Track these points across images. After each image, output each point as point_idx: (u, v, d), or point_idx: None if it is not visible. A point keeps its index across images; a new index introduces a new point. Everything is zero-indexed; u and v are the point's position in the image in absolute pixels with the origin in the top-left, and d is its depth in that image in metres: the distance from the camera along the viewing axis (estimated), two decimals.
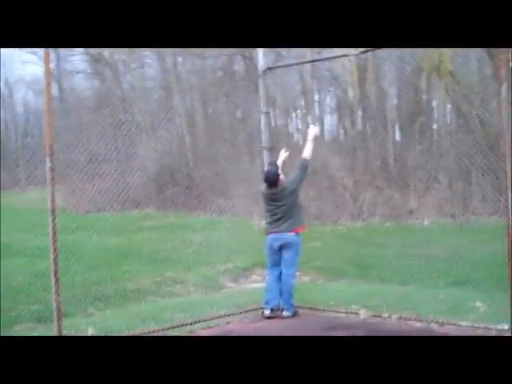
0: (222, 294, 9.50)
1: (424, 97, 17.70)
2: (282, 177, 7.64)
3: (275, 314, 7.74)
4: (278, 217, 7.60)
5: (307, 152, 7.76)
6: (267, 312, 7.71)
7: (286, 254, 7.61)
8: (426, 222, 13.52)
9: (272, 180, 7.57)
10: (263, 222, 8.04)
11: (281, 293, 7.74)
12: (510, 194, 6.14)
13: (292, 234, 7.57)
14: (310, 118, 20.69)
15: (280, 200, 7.58)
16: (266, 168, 7.96)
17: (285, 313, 7.69)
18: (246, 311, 8.03)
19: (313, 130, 7.93)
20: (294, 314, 7.69)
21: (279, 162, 8.04)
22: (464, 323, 6.70)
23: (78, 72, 28.33)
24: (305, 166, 7.70)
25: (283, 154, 8.16)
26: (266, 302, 7.77)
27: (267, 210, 7.76)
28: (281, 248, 7.62)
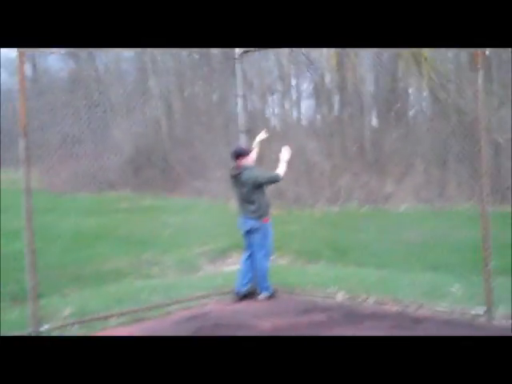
0: (198, 276, 9.49)
1: (401, 83, 17.77)
2: (250, 157, 7.65)
3: (251, 296, 7.78)
4: (242, 202, 7.67)
5: (281, 171, 7.65)
6: (235, 298, 7.75)
7: (255, 238, 7.65)
8: (402, 208, 13.61)
9: (235, 151, 7.64)
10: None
11: (254, 276, 7.80)
12: (484, 180, 6.21)
13: (255, 221, 7.60)
14: (286, 103, 20.68)
15: (242, 185, 7.61)
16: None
17: (260, 296, 7.71)
18: (223, 293, 8.04)
19: (285, 153, 7.69)
20: (271, 296, 7.70)
21: (256, 142, 8.07)
22: (441, 307, 6.78)
23: (52, 52, 27.91)
24: (274, 179, 7.60)
25: (262, 135, 8.12)
26: (237, 287, 7.82)
27: (235, 193, 7.85)
28: (248, 232, 7.68)
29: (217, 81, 20.75)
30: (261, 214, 7.60)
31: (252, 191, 7.55)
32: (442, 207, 12.96)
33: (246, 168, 7.60)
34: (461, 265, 8.17)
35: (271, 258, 7.93)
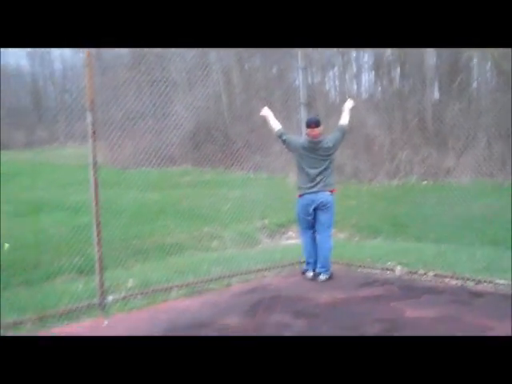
0: (258, 249, 9.59)
1: (464, 54, 17.33)
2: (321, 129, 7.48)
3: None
4: (317, 173, 7.38)
5: (345, 120, 7.68)
6: (310, 274, 7.60)
7: (323, 216, 7.41)
8: (463, 182, 13.37)
9: (316, 121, 7.44)
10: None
11: (317, 256, 7.57)
12: None
13: (328, 193, 7.41)
14: (346, 76, 20.49)
15: (321, 154, 7.38)
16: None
17: (321, 277, 7.46)
18: (281, 266, 8.15)
19: (348, 104, 7.81)
20: (330, 277, 7.51)
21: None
22: (501, 281, 6.73)
23: None
24: (343, 130, 7.58)
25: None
26: (308, 264, 7.69)
27: (306, 166, 7.44)
28: (315, 209, 7.43)
29: (276, 54, 20.68)
30: (332, 184, 7.45)
31: (331, 160, 7.43)
32: (503, 181, 12.69)
33: (322, 137, 7.43)
34: None
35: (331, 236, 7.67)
